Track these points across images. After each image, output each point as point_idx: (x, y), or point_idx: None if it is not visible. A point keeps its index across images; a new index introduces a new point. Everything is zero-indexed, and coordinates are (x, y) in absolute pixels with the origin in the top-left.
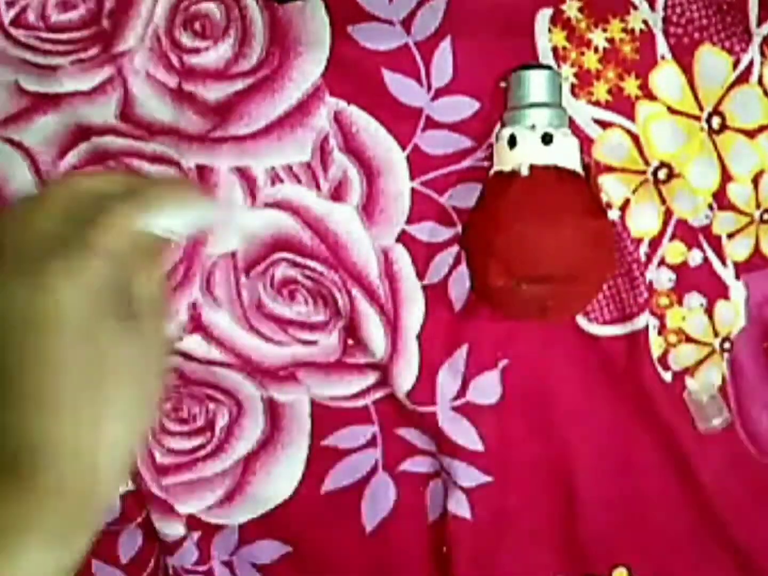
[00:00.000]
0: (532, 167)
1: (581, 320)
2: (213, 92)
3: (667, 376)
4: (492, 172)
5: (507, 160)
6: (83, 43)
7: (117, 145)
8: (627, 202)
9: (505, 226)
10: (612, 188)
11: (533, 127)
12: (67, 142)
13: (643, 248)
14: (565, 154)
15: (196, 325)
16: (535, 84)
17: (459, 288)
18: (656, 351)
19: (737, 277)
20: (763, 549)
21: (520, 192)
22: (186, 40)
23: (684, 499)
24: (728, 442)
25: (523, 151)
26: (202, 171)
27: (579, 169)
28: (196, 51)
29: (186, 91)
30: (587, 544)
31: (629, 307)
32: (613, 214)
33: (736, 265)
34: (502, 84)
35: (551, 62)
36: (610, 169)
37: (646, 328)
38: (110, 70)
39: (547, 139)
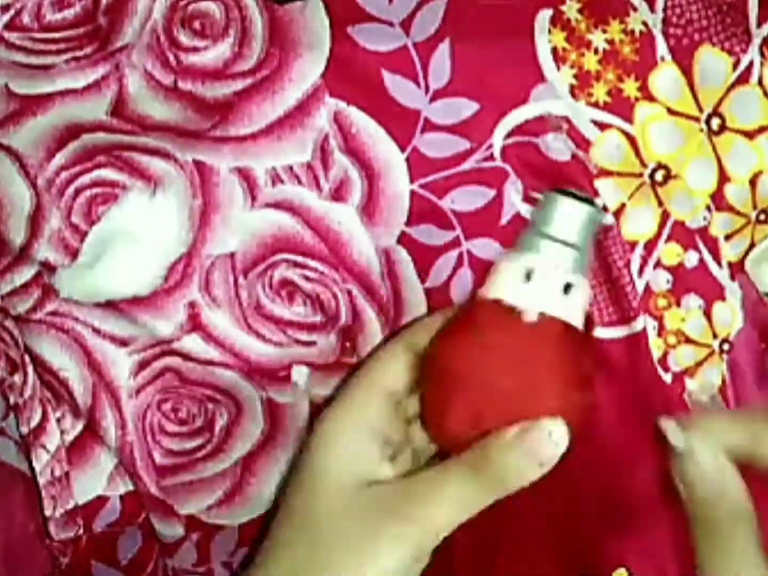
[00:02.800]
0: (540, 315)
1: None
2: (211, 91)
3: (667, 378)
4: (485, 294)
5: (513, 293)
6: (79, 41)
7: (108, 141)
8: (623, 206)
9: (488, 372)
10: (608, 193)
11: (556, 267)
12: (56, 143)
13: (639, 251)
14: (577, 308)
15: (195, 324)
16: (575, 219)
17: (461, 291)
18: (656, 352)
19: (732, 278)
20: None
21: (519, 340)
22: (184, 38)
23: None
24: None
25: (536, 291)
26: (201, 168)
27: (581, 325)
28: (195, 50)
29: (182, 89)
30: (587, 545)
31: (626, 311)
32: (608, 219)
33: (730, 265)
34: (536, 195)
35: (551, 64)
36: (607, 173)
37: (645, 329)
38: (106, 67)
39: (567, 288)
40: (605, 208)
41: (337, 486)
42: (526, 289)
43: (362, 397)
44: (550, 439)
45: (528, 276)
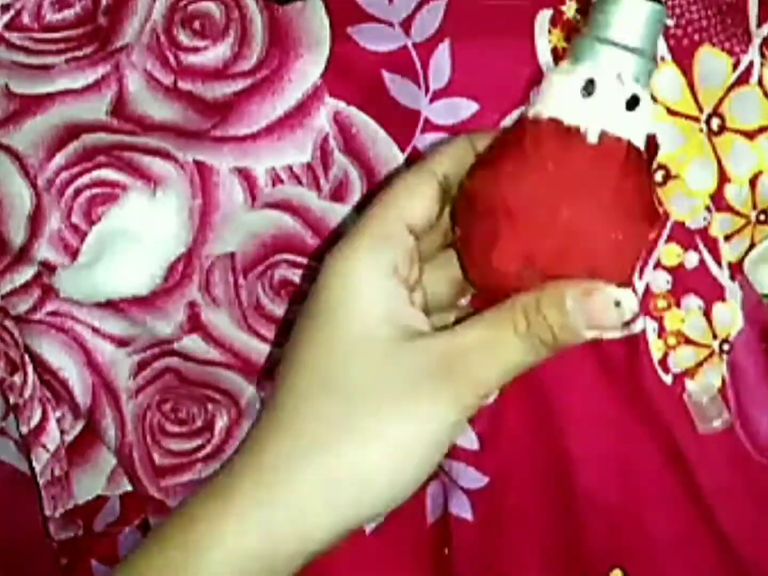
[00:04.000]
0: (602, 135)
1: None
2: (211, 91)
3: (667, 379)
4: (538, 113)
5: (571, 110)
6: (79, 41)
7: (108, 141)
8: None
9: (543, 202)
10: None
11: (619, 77)
12: (56, 143)
13: None
14: (641, 127)
15: (195, 324)
16: (638, 19)
17: None
18: (656, 353)
19: (732, 278)
20: (761, 550)
21: (578, 163)
22: (184, 38)
23: (683, 500)
24: (728, 443)
25: (598, 106)
26: (201, 168)
27: (644, 146)
28: (195, 50)
29: (182, 89)
30: (585, 545)
31: None
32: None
33: (731, 266)
34: None
35: (551, 64)
36: None
37: (644, 331)
38: (106, 68)
39: (632, 103)
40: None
41: (367, 334)
42: (585, 105)
43: (383, 231)
44: (615, 309)
45: (587, 90)
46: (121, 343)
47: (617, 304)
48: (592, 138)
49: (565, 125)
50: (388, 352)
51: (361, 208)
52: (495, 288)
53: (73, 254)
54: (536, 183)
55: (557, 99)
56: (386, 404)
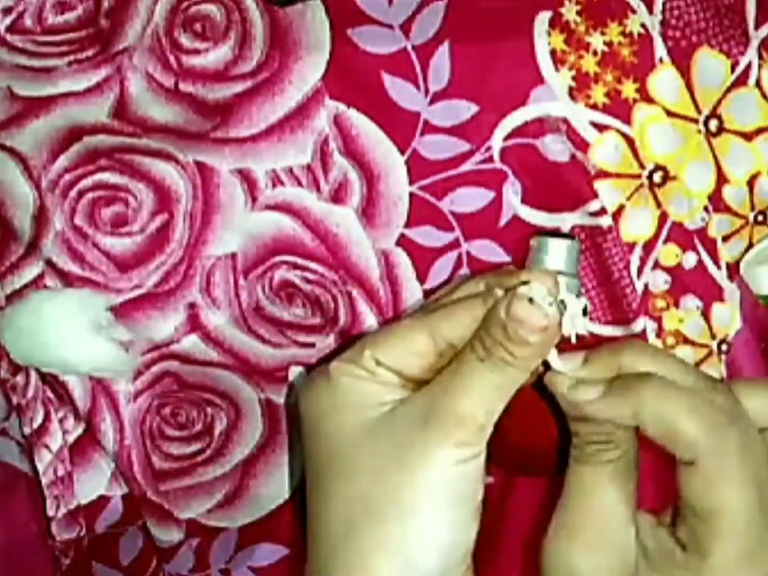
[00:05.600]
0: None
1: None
2: (212, 93)
3: None
4: None
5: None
6: (80, 44)
7: (109, 143)
8: (621, 208)
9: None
10: (607, 194)
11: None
12: (59, 145)
13: (637, 252)
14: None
15: (195, 325)
16: (562, 252)
17: None
18: None
19: (731, 278)
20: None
21: None
22: (185, 40)
23: None
24: None
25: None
26: (202, 169)
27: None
28: (196, 52)
29: (183, 91)
30: None
31: (625, 312)
32: (606, 221)
33: (729, 266)
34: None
35: (550, 66)
36: (605, 174)
37: (645, 331)
38: (108, 70)
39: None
40: (604, 210)
41: (355, 420)
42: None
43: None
44: (533, 306)
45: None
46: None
47: (530, 300)
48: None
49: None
50: (377, 426)
51: (360, 210)
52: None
53: (76, 258)
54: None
55: None
56: (390, 468)
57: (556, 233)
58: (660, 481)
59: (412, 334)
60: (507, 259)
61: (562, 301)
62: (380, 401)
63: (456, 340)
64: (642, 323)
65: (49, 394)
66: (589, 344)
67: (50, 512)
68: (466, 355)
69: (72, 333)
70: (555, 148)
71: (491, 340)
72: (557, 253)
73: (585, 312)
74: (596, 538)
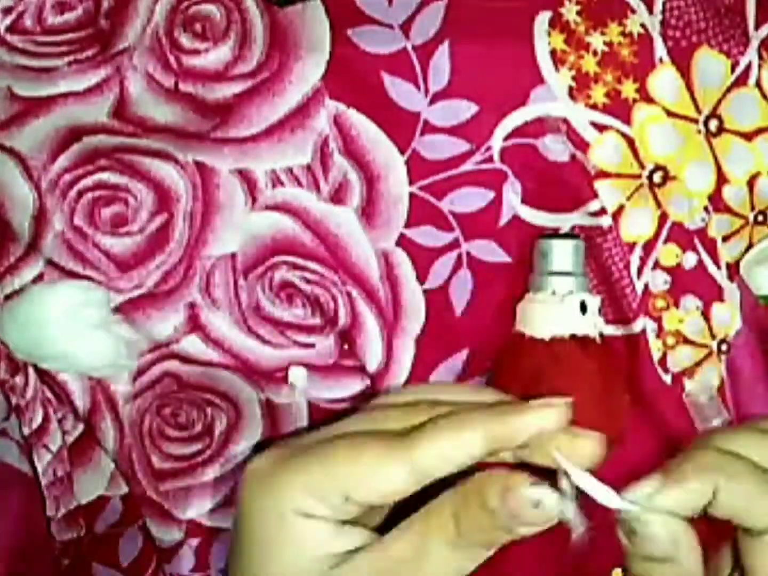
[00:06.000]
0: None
1: None
2: (212, 93)
3: (666, 378)
4: (543, 336)
5: (578, 324)
6: (80, 44)
7: (109, 144)
8: (621, 207)
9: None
10: (607, 194)
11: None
12: (59, 145)
13: (637, 252)
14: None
15: (194, 325)
16: (567, 252)
17: (460, 293)
18: (655, 353)
19: (731, 278)
20: None
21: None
22: (185, 40)
23: None
24: None
25: (589, 316)
26: (202, 169)
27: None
28: (196, 52)
29: (183, 91)
30: (585, 544)
31: (624, 312)
32: (606, 221)
33: (729, 267)
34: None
35: (550, 66)
36: (605, 174)
37: (645, 331)
38: (108, 70)
39: (583, 306)
40: (604, 210)
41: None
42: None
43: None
44: (534, 508)
45: (584, 308)
46: None
47: (536, 505)
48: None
49: (577, 336)
50: None
51: (360, 211)
52: None
53: (76, 258)
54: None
55: (553, 318)
56: None
57: (557, 234)
58: None
59: (386, 468)
60: (507, 259)
61: (583, 302)
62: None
63: (439, 474)
64: (642, 323)
65: (48, 394)
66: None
67: (50, 512)
68: (431, 529)
69: (75, 325)
70: (555, 148)
71: (470, 524)
72: (564, 255)
73: (600, 310)
74: None
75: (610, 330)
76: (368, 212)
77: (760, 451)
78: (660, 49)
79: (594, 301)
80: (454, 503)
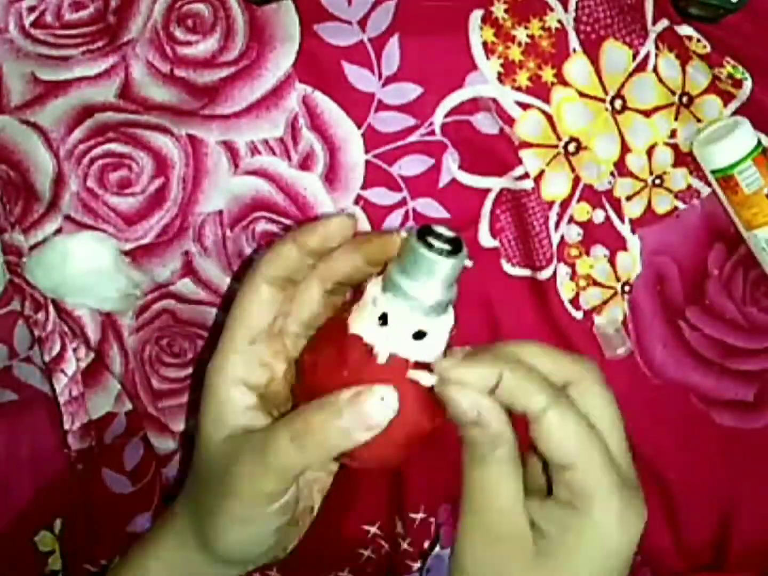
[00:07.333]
0: (391, 357)
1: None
2: (202, 78)
3: (579, 315)
4: (350, 323)
5: (370, 333)
6: (92, 37)
7: (116, 119)
8: (542, 172)
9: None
10: (529, 161)
11: (410, 313)
12: (74, 120)
13: (555, 209)
14: (430, 348)
15: (188, 270)
16: (435, 269)
17: None
18: (569, 293)
19: (633, 231)
20: (662, 459)
21: (371, 375)
22: (179, 34)
23: None
24: (629, 367)
25: (390, 334)
26: (193, 140)
27: (438, 356)
28: (188, 43)
29: (177, 76)
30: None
31: (538, 261)
32: (529, 184)
33: (632, 221)
34: (404, 233)
35: (482, 55)
36: (528, 144)
37: (553, 277)
38: (115, 58)
39: (419, 334)
40: (527, 175)
41: (213, 439)
42: (381, 332)
43: (228, 347)
44: (382, 403)
45: (384, 320)
46: None
47: (383, 398)
48: (382, 359)
49: (364, 342)
50: (222, 451)
51: (324, 176)
52: None
53: (90, 213)
54: (339, 383)
55: (362, 321)
56: (222, 488)
57: (435, 231)
58: None
59: (253, 283)
60: (446, 215)
61: (419, 332)
62: (234, 413)
63: (281, 276)
64: (551, 270)
65: (65, 328)
66: None
67: (66, 426)
68: (281, 428)
69: (92, 266)
70: (486, 123)
71: (303, 423)
72: (431, 267)
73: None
74: (498, 533)
75: (521, 271)
76: (330, 177)
77: (541, 360)
78: (574, 41)
79: (442, 327)
80: (307, 411)
